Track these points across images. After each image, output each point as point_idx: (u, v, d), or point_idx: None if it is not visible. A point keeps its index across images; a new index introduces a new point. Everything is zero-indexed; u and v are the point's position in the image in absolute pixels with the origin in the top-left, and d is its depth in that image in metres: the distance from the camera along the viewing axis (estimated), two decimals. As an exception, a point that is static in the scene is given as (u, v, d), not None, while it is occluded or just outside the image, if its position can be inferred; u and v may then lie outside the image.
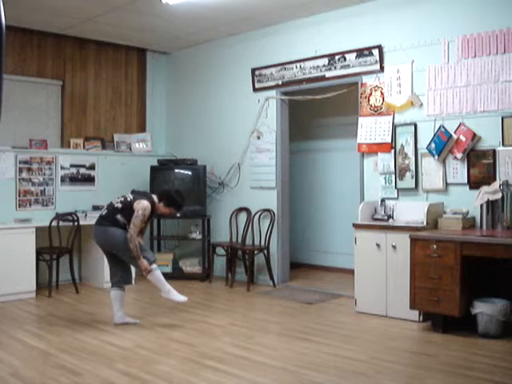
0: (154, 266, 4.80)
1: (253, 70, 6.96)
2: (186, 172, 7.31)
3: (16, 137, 6.76)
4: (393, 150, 5.65)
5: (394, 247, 5.05)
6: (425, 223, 4.93)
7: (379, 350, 4.17)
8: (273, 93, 6.80)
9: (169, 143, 8.15)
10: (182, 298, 4.86)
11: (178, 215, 7.02)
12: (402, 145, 5.58)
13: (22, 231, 6.14)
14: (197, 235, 7.22)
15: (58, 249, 6.31)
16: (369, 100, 5.87)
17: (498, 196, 4.74)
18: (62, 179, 6.97)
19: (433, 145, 5.28)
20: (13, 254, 5.97)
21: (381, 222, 5.34)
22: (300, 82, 6.49)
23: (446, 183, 5.26)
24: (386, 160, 5.70)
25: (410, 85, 5.53)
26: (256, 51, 6.97)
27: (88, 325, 4.97)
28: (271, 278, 6.66)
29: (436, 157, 5.26)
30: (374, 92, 5.82)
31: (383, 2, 5.77)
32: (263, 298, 6.13)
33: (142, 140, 7.80)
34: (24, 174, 6.64)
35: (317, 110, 7.63)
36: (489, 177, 4.95)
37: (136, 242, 4.66)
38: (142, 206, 4.74)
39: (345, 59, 6.04)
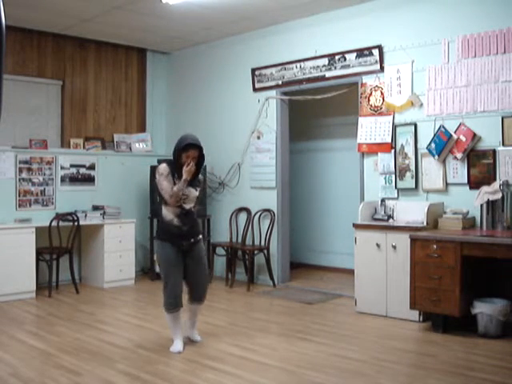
0: (166, 310, 4.23)
1: (253, 70, 6.95)
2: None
3: (16, 137, 6.76)
4: (393, 150, 5.65)
5: (394, 247, 5.05)
6: (425, 223, 4.93)
7: (379, 350, 4.17)
8: (273, 93, 6.80)
9: (169, 143, 8.13)
10: (175, 349, 4.17)
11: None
12: (402, 145, 5.58)
13: (22, 231, 6.14)
14: (197, 235, 7.21)
15: (58, 249, 6.31)
16: (369, 100, 5.86)
17: (498, 196, 4.73)
18: (62, 179, 6.96)
19: (433, 145, 5.28)
20: (13, 254, 5.97)
21: (381, 222, 5.34)
22: (300, 81, 6.49)
23: (446, 183, 5.26)
24: (386, 160, 5.70)
25: (410, 85, 5.53)
26: (256, 51, 6.97)
27: (88, 325, 4.97)
28: (271, 278, 6.66)
29: (436, 157, 5.26)
30: (374, 92, 5.82)
31: (383, 2, 5.77)
32: (263, 297, 6.13)
33: (142, 140, 7.80)
34: (24, 174, 6.64)
35: (317, 109, 7.63)
36: (489, 177, 4.95)
37: (174, 189, 4.08)
38: (157, 171, 4.22)
39: (345, 59, 6.04)
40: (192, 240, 4.24)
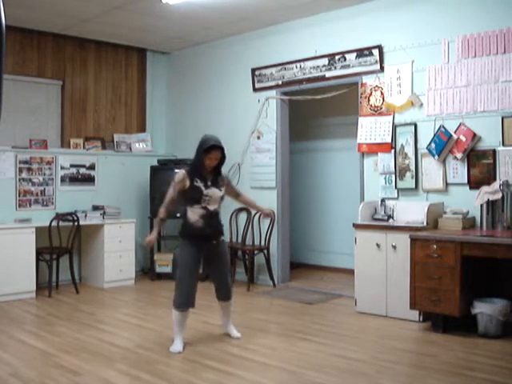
0: (175, 308, 4.25)
1: (253, 70, 6.95)
2: (186, 172, 7.30)
3: (16, 137, 6.76)
4: (393, 150, 5.65)
5: (394, 247, 5.05)
6: (425, 223, 4.93)
7: (379, 350, 4.17)
8: (273, 93, 6.80)
9: (169, 143, 8.15)
10: (176, 349, 4.17)
11: (179, 215, 7.02)
12: (402, 145, 5.58)
13: (22, 231, 6.14)
14: (197, 235, 7.22)
15: (58, 249, 6.31)
16: (369, 100, 5.86)
17: (498, 196, 4.73)
18: (62, 179, 6.96)
19: (433, 145, 5.28)
20: (13, 254, 5.97)
21: (381, 222, 5.34)
22: (300, 81, 6.49)
23: (446, 183, 5.26)
24: (386, 160, 5.70)
25: (410, 85, 5.53)
26: (256, 51, 6.97)
27: (88, 325, 4.97)
28: (271, 278, 6.66)
29: (436, 157, 5.26)
30: (374, 92, 5.82)
31: (383, 2, 5.77)
32: (263, 297, 6.13)
33: (142, 140, 7.80)
34: (24, 174, 6.63)
35: (317, 110, 7.63)
36: (489, 177, 4.95)
37: (160, 212, 4.30)
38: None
39: (345, 59, 6.04)
40: (214, 242, 4.32)
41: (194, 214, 4.20)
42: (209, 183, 4.23)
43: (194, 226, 4.20)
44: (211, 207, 4.23)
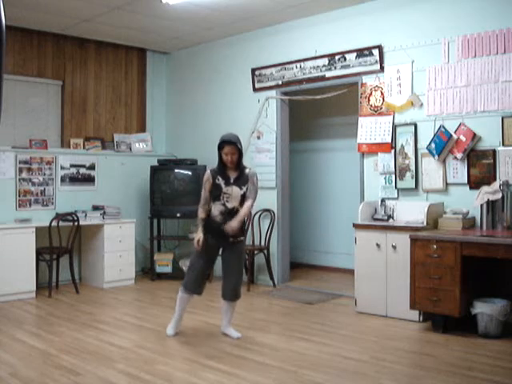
0: (181, 289, 4.52)
1: (253, 70, 6.95)
2: (186, 172, 7.31)
3: (16, 137, 6.76)
4: (393, 150, 5.65)
5: (394, 247, 5.05)
6: (425, 223, 4.93)
7: (379, 350, 4.17)
8: (273, 93, 6.80)
9: (169, 143, 8.15)
10: (168, 331, 4.54)
11: (179, 215, 7.04)
12: (402, 145, 5.58)
13: (22, 231, 6.13)
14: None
15: (57, 249, 6.31)
16: (369, 100, 5.86)
17: (498, 196, 4.73)
18: (62, 179, 6.96)
19: (433, 145, 5.28)
20: (13, 254, 5.97)
21: (381, 222, 5.34)
22: (300, 81, 6.49)
23: (446, 183, 5.26)
24: (386, 160, 5.70)
25: (410, 85, 5.53)
26: (256, 51, 6.97)
27: (88, 325, 4.97)
28: (271, 278, 6.66)
29: (436, 157, 5.26)
30: (374, 92, 5.82)
31: (383, 2, 5.77)
32: (263, 297, 6.13)
33: (142, 140, 7.80)
34: (24, 174, 6.63)
35: (317, 109, 7.63)
36: (489, 177, 4.95)
37: (198, 212, 4.44)
38: None
39: (345, 59, 6.04)
40: (230, 239, 4.39)
41: (215, 209, 4.37)
42: (231, 181, 4.35)
43: (213, 220, 4.37)
44: (230, 205, 4.33)
